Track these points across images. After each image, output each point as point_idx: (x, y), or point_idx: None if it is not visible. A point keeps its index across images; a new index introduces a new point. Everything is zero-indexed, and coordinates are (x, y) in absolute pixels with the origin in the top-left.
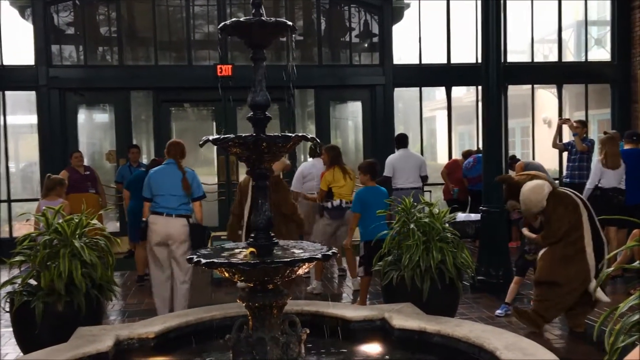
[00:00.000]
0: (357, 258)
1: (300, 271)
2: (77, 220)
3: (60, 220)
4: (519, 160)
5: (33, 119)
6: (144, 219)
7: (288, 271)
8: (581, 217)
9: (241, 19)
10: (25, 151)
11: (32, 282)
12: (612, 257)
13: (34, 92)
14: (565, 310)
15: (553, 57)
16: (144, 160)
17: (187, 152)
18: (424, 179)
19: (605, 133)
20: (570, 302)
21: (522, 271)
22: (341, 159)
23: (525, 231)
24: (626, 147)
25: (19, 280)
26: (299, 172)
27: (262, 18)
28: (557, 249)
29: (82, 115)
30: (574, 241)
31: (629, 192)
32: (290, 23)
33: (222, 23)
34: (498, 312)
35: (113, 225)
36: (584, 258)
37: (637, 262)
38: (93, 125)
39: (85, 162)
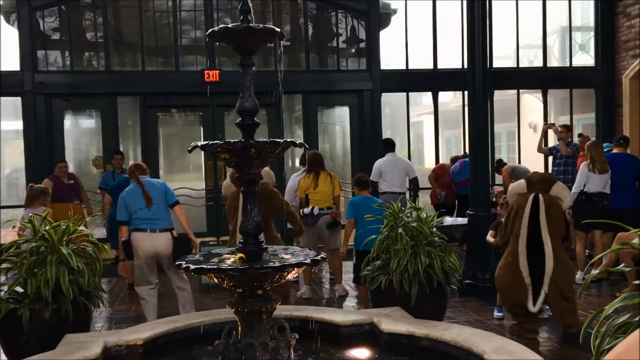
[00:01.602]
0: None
1: (290, 276)
2: (64, 227)
3: (47, 227)
4: (505, 164)
5: (18, 124)
6: (123, 240)
7: (277, 276)
8: (521, 224)
9: (229, 26)
10: (11, 157)
11: (19, 289)
12: (597, 260)
13: (19, 98)
14: (535, 314)
15: (538, 63)
16: None
17: (174, 158)
18: (414, 181)
19: (579, 136)
20: (515, 301)
21: None
22: (319, 166)
23: (489, 236)
24: (614, 151)
25: (5, 288)
26: (291, 185)
27: (251, 24)
28: (505, 254)
29: (68, 121)
30: (513, 249)
31: (616, 196)
32: (278, 29)
33: (211, 29)
34: (498, 315)
35: (100, 232)
36: (517, 265)
37: (622, 264)
38: (79, 131)
39: (72, 169)
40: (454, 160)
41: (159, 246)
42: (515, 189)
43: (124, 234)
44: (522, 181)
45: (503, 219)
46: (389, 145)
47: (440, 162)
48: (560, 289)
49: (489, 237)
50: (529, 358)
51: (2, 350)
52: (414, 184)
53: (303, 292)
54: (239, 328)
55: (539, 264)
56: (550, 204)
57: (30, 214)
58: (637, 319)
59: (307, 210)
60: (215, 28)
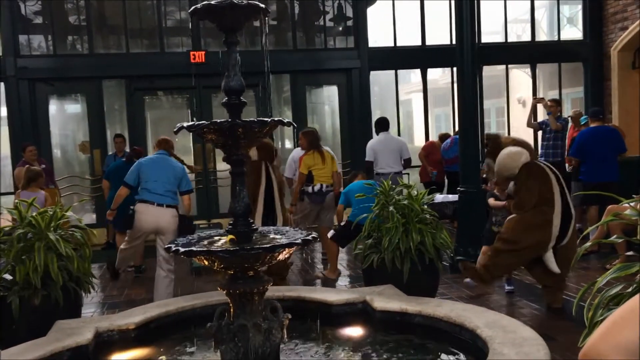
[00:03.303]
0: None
1: (281, 257)
2: (51, 213)
3: (34, 213)
4: None
5: (3, 111)
6: (131, 207)
7: (268, 257)
8: (552, 190)
9: (212, 2)
10: None
11: (8, 276)
12: (586, 234)
13: (2, 84)
14: (513, 270)
15: (526, 37)
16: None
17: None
18: (408, 161)
19: (574, 112)
20: (519, 264)
21: (489, 241)
22: (319, 143)
23: (491, 201)
24: (592, 125)
25: None
26: (291, 158)
27: (234, 1)
28: (526, 216)
29: (53, 106)
30: (543, 211)
31: (598, 169)
32: (262, 6)
33: (193, 7)
34: (467, 280)
35: (90, 217)
36: (549, 229)
37: (614, 236)
38: (65, 116)
39: (58, 154)
40: (442, 137)
41: (162, 221)
42: (518, 159)
43: (121, 195)
44: (519, 149)
45: (511, 188)
46: (381, 125)
47: (430, 139)
48: (570, 256)
49: (492, 201)
50: (522, 332)
51: None
52: (406, 165)
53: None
54: (231, 310)
55: (565, 227)
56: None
57: (28, 197)
58: (630, 290)
59: (316, 186)
60: (198, 5)
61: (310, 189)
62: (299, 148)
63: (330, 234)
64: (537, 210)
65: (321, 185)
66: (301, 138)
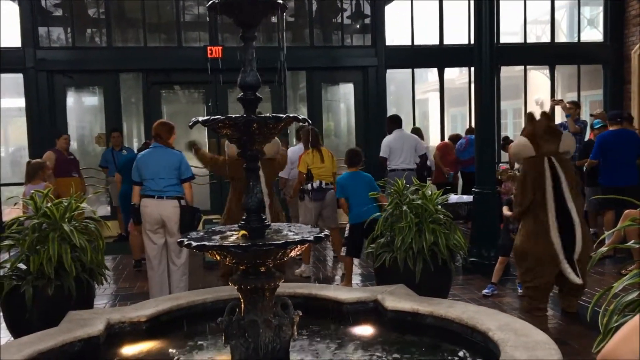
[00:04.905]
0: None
1: (292, 253)
2: (66, 204)
3: (49, 204)
4: (512, 141)
5: (21, 102)
6: (133, 203)
7: (280, 253)
8: (545, 194)
9: None
10: (15, 135)
11: (22, 266)
12: (602, 239)
13: (21, 75)
14: (550, 288)
15: (545, 38)
16: (134, 144)
17: (177, 135)
18: (424, 157)
19: (591, 115)
20: (549, 280)
21: (505, 251)
22: (318, 141)
23: (505, 210)
24: (611, 128)
25: (8, 265)
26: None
27: None
28: (528, 224)
29: (70, 98)
30: (541, 219)
31: (617, 173)
32: (280, 1)
33: (211, 1)
34: (485, 291)
35: (103, 209)
36: (549, 237)
37: (631, 241)
38: (82, 108)
39: (75, 146)
40: (453, 138)
41: (165, 212)
42: (524, 151)
43: (136, 196)
44: (523, 139)
45: (514, 190)
46: (396, 122)
47: (445, 139)
48: (586, 261)
49: (506, 212)
50: (535, 335)
51: (5, 327)
52: (422, 160)
53: (303, 271)
54: (242, 305)
55: (568, 235)
56: (566, 168)
57: (32, 190)
58: None
59: (315, 183)
60: (216, 0)
61: (309, 186)
62: (293, 147)
63: (343, 251)
64: (536, 219)
65: (320, 182)
66: (301, 137)
